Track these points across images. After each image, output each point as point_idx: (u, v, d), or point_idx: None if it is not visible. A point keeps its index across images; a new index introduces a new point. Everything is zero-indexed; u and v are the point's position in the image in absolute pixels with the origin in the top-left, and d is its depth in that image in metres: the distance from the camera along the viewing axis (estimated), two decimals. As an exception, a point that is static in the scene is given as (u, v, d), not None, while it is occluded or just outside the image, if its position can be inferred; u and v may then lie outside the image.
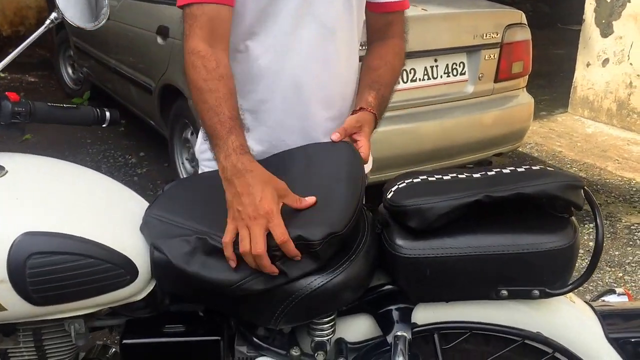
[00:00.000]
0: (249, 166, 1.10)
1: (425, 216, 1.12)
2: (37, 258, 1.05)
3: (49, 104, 1.31)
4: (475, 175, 1.20)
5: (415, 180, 1.20)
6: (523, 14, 3.40)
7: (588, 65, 5.15)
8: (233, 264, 1.06)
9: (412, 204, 1.13)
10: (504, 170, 1.20)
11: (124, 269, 1.11)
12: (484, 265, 1.13)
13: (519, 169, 1.20)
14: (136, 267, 1.12)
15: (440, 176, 1.21)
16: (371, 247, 1.16)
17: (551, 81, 6.07)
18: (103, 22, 1.32)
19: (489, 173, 1.20)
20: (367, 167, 1.53)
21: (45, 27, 1.33)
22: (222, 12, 1.23)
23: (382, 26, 1.45)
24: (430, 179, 1.20)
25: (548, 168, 1.23)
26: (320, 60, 1.35)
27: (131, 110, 4.38)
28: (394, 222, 1.19)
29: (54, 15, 1.31)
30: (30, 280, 1.05)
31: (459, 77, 3.24)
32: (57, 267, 1.06)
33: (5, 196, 1.11)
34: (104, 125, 1.40)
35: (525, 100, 3.52)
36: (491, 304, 1.19)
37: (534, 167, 1.20)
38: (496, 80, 3.35)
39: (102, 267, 1.09)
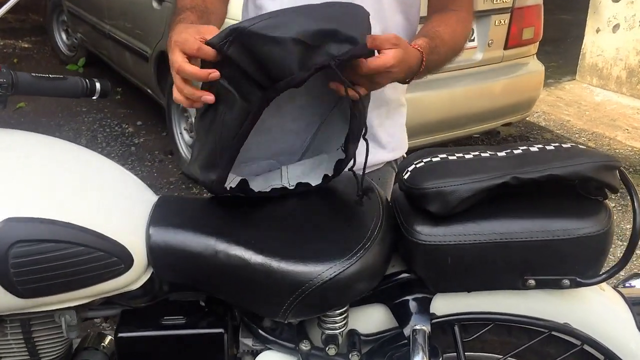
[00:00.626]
0: (176, 31, 1.04)
1: (446, 200, 1.02)
2: (21, 246, 0.95)
3: (33, 74, 1.20)
4: (500, 154, 1.10)
5: (434, 159, 1.10)
6: (535, -23, 3.26)
7: (598, 31, 5.00)
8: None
9: (433, 186, 1.03)
10: (532, 149, 1.10)
11: (117, 257, 1.01)
12: (511, 253, 1.04)
13: (547, 147, 1.10)
14: (131, 255, 1.03)
15: (461, 155, 1.11)
16: (387, 233, 1.07)
17: (558, 47, 5.91)
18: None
19: (515, 151, 1.10)
20: (401, 152, 1.44)
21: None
22: None
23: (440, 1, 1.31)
24: (450, 158, 1.10)
25: (580, 146, 1.13)
26: None
27: (127, 78, 4.25)
28: (412, 205, 1.09)
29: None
30: (15, 271, 0.95)
31: (467, 44, 3.10)
32: (43, 257, 0.97)
33: (-15, 178, 1.01)
34: (94, 98, 1.29)
35: (535, 67, 3.40)
36: (515, 293, 1.10)
37: (564, 145, 1.10)
38: (506, 47, 3.22)
39: (94, 255, 0.99)
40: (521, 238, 1.03)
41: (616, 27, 4.86)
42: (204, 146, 1.10)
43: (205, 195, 1.21)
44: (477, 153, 1.11)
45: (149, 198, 1.15)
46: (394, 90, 1.35)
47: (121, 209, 1.07)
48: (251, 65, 0.95)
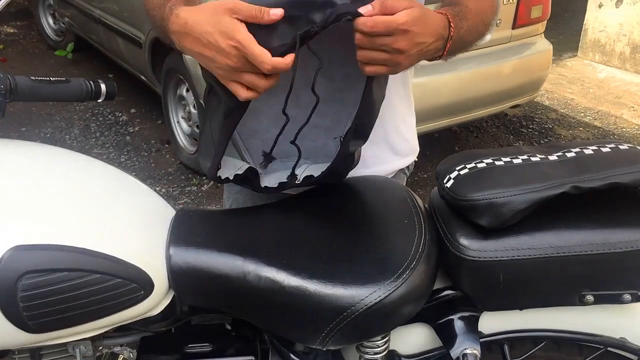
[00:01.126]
0: (182, 18, 0.90)
1: (499, 212, 0.92)
2: (30, 278, 0.85)
3: (33, 77, 1.09)
4: (551, 158, 1.00)
5: (479, 166, 1.00)
6: (543, -48, 3.13)
7: (600, 6, 4.89)
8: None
9: (483, 197, 0.93)
10: (586, 151, 1.00)
11: (137, 283, 0.91)
12: (568, 267, 0.95)
13: (603, 149, 1.00)
14: (151, 279, 0.93)
15: (508, 159, 1.01)
16: (432, 249, 0.97)
17: (557, 23, 5.79)
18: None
19: (569, 155, 1.00)
20: (414, 157, 1.32)
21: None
22: None
23: None
24: (497, 163, 1.00)
25: (638, 147, 1.03)
26: None
27: (119, 64, 4.11)
28: (456, 216, 1.00)
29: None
30: (24, 305, 0.85)
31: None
32: (55, 288, 0.86)
33: (-13, 201, 0.90)
34: (99, 100, 1.18)
35: (543, 46, 3.30)
36: (569, 308, 1.01)
37: (621, 147, 1.01)
38: (514, 27, 3.11)
39: (111, 283, 0.90)
40: (580, 251, 0.94)
41: (619, 2, 4.76)
42: (203, 134, 1.05)
43: (208, 185, 1.10)
44: (525, 157, 1.01)
45: (167, 212, 1.05)
46: (406, 88, 1.24)
47: (138, 228, 0.97)
48: None
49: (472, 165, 1.01)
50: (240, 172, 1.01)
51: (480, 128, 3.90)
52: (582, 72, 4.85)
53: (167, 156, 3.54)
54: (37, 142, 1.09)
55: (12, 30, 5.65)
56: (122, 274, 0.90)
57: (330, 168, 1.00)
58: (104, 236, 0.92)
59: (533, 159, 1.01)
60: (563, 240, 0.94)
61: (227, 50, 0.85)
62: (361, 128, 0.97)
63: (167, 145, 3.62)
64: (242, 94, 0.89)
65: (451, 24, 0.95)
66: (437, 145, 3.65)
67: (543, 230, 0.95)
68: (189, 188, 3.18)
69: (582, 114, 4.13)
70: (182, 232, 0.99)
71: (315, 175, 1.02)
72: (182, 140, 3.38)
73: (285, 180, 1.05)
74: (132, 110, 4.07)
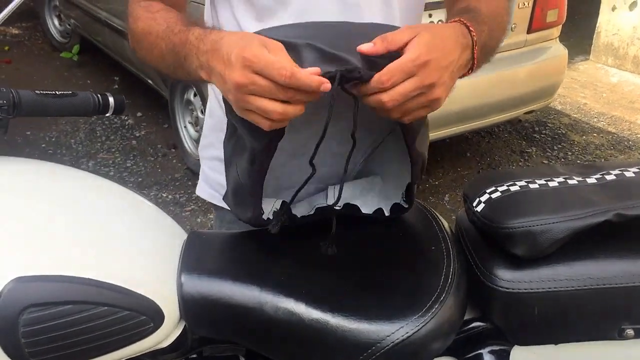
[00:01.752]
0: (217, 37, 0.80)
1: (537, 242, 0.86)
2: (33, 312, 0.79)
3: (37, 91, 1.03)
4: (590, 181, 0.94)
5: (512, 189, 0.94)
6: (559, -45, 3.06)
7: (614, 9, 4.81)
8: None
9: (519, 225, 0.87)
10: (627, 174, 0.94)
11: (146, 315, 0.85)
12: (608, 300, 0.88)
13: (645, 171, 0.94)
14: (161, 311, 0.87)
15: (543, 182, 0.95)
16: (461, 279, 0.91)
17: (569, 25, 5.71)
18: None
19: (608, 177, 0.94)
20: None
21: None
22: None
23: None
24: (532, 186, 0.94)
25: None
26: None
27: (125, 67, 4.06)
28: (487, 242, 0.93)
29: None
30: (27, 341, 0.79)
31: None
32: (59, 322, 0.80)
33: (-13, 227, 0.84)
34: (107, 115, 1.12)
35: (559, 51, 3.23)
36: (606, 343, 0.95)
37: (665, 169, 0.94)
38: (529, 31, 3.04)
39: (118, 316, 0.83)
40: (620, 283, 0.88)
41: (633, 5, 4.68)
42: (229, 177, 0.96)
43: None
44: (561, 180, 0.95)
45: (178, 235, 0.99)
46: None
47: (147, 254, 0.91)
48: None
49: (504, 188, 0.95)
50: (277, 208, 0.96)
51: (492, 133, 3.83)
52: (594, 76, 4.77)
53: (174, 161, 3.48)
54: (38, 160, 1.03)
55: (17, 32, 5.61)
56: (130, 305, 0.84)
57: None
58: (110, 265, 0.86)
59: (570, 181, 0.94)
60: (603, 270, 0.88)
61: (234, 62, 0.74)
62: (416, 164, 0.92)
63: (173, 150, 3.56)
64: (263, 123, 0.76)
65: (471, 29, 0.86)
66: (448, 150, 3.58)
67: (581, 260, 0.89)
68: (196, 194, 3.11)
69: (595, 119, 4.06)
70: (194, 258, 0.93)
71: (364, 209, 1.00)
72: (189, 145, 3.32)
73: (325, 205, 0.99)
74: (139, 114, 4.01)
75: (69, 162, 3.45)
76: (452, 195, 3.11)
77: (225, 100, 0.85)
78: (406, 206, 0.99)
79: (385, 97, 0.75)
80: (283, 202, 0.98)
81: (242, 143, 0.88)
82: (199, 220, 2.91)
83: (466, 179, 3.31)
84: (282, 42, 0.76)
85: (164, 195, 3.12)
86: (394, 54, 0.76)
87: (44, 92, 1.03)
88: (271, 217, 0.94)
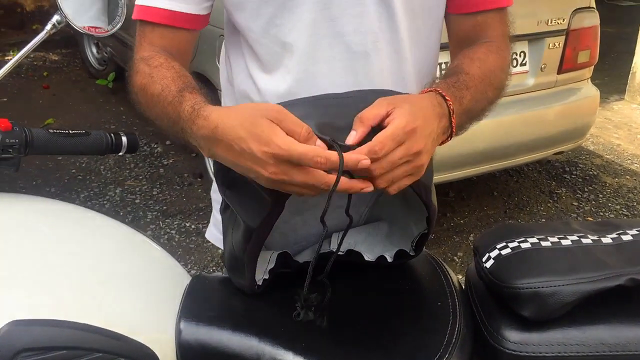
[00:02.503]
0: (212, 124, 0.78)
1: (545, 304, 0.83)
2: (26, 356, 0.78)
3: (51, 130, 1.04)
4: (605, 240, 0.90)
5: (523, 246, 0.91)
6: (592, -5, 3.03)
7: (650, 49, 4.73)
8: None
9: (527, 286, 0.84)
10: (644, 235, 0.90)
11: (142, 362, 0.84)
12: (621, 368, 0.84)
13: (663, 233, 0.90)
14: (156, 358, 0.85)
15: (556, 239, 0.91)
16: (467, 339, 0.88)
17: (603, 63, 5.61)
18: (118, 27, 1.04)
19: (625, 238, 0.90)
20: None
21: (46, 33, 1.05)
22: (179, 37, 1.01)
23: (468, 31, 1.06)
24: (544, 243, 0.91)
25: None
26: None
27: (157, 96, 4.12)
28: (495, 300, 0.90)
29: (56, 18, 1.03)
30: (18, 385, 0.79)
31: (519, 68, 2.89)
32: (53, 367, 0.79)
33: (-13, 267, 0.84)
34: (120, 154, 1.13)
35: (590, 92, 3.17)
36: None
37: (684, 232, 0.90)
38: (560, 72, 3.00)
39: (113, 363, 0.82)
40: (635, 350, 0.83)
41: (670, 45, 4.60)
42: (226, 244, 0.96)
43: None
44: (575, 238, 0.91)
45: (180, 279, 0.98)
46: None
47: (146, 299, 0.90)
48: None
49: (515, 244, 0.92)
50: (272, 265, 0.94)
51: (521, 172, 3.77)
52: (629, 117, 4.68)
53: (199, 190, 3.50)
54: (46, 198, 1.03)
55: (56, 58, 5.77)
56: (125, 352, 0.83)
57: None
58: (107, 310, 0.85)
59: (584, 240, 0.91)
60: (616, 337, 0.84)
61: (264, 159, 0.73)
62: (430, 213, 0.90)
63: (199, 180, 3.58)
64: (309, 194, 0.76)
65: (447, 98, 0.86)
66: (474, 188, 3.53)
67: (594, 325, 0.85)
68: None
69: (629, 161, 3.96)
70: (194, 304, 0.92)
71: (366, 256, 0.98)
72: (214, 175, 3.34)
73: (328, 250, 0.98)
74: (168, 142, 4.06)
75: (97, 188, 3.49)
76: (477, 235, 3.05)
77: (217, 175, 0.84)
78: (413, 254, 0.97)
79: (373, 166, 0.74)
80: (282, 253, 0.97)
81: (237, 218, 0.87)
82: (220, 251, 2.89)
83: (492, 219, 3.25)
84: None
85: (187, 224, 3.13)
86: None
87: (57, 131, 1.05)
88: (267, 277, 0.93)
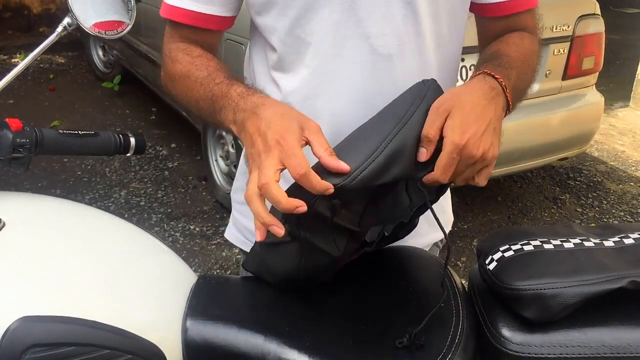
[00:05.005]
0: (260, 101, 0.86)
1: (547, 306, 0.84)
2: (36, 352, 0.80)
3: (60, 131, 1.05)
4: (607, 244, 0.91)
5: (526, 248, 0.92)
6: (596, 3, 3.04)
7: (655, 55, 4.74)
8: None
9: (529, 287, 0.85)
10: (646, 238, 0.91)
11: (148, 359, 0.85)
12: (622, 369, 0.85)
13: (665, 237, 0.91)
14: (164, 356, 0.87)
15: (558, 242, 0.92)
16: (469, 340, 0.88)
17: (607, 70, 5.62)
18: (127, 29, 1.06)
19: (627, 241, 0.91)
20: (448, 228, 1.21)
21: (57, 35, 1.07)
22: (204, 36, 1.05)
23: (500, 31, 1.08)
24: (546, 246, 0.91)
25: None
26: (369, 99, 0.98)
27: (162, 98, 4.15)
28: (498, 302, 0.91)
29: (67, 20, 1.05)
30: (28, 380, 0.80)
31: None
32: (62, 363, 0.81)
33: (-2, 264, 0.86)
34: (127, 155, 1.14)
35: (594, 99, 3.18)
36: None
37: (686, 235, 0.91)
38: (564, 78, 3.01)
39: (121, 359, 0.84)
40: (636, 352, 0.84)
41: (675, 53, 4.60)
42: (285, 267, 0.93)
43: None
44: (578, 241, 0.92)
45: (187, 279, 0.99)
46: None
47: (153, 297, 0.91)
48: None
49: (518, 246, 0.93)
50: None
51: (525, 178, 3.78)
52: (634, 124, 4.68)
53: (204, 193, 3.52)
54: (56, 197, 1.05)
55: (62, 60, 5.81)
56: (133, 349, 0.84)
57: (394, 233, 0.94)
58: (116, 307, 0.86)
59: (587, 243, 0.92)
60: (618, 339, 0.85)
61: (270, 144, 0.78)
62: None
63: (204, 182, 3.60)
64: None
65: (497, 77, 0.90)
66: (478, 194, 3.54)
67: (595, 326, 0.86)
68: (224, 228, 3.13)
69: (633, 168, 3.97)
70: (201, 303, 0.93)
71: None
72: (219, 178, 3.35)
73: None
74: (173, 145, 4.09)
75: (102, 190, 3.52)
76: (480, 240, 3.06)
77: (288, 218, 0.83)
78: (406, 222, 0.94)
79: (440, 178, 0.85)
80: None
81: (312, 249, 0.88)
82: (224, 254, 2.92)
83: (496, 224, 3.26)
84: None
85: (192, 227, 3.15)
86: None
87: (67, 132, 1.06)
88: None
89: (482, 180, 0.88)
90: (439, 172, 0.84)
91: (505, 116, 0.93)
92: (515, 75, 0.94)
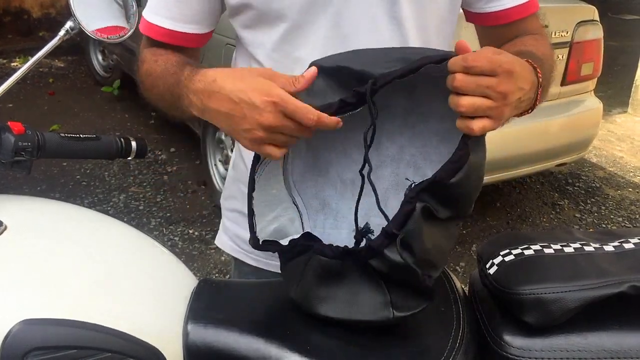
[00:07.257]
0: (209, 77, 0.85)
1: (548, 310, 0.84)
2: (37, 355, 0.80)
3: (62, 134, 1.05)
4: (607, 248, 0.91)
5: (526, 253, 0.92)
6: (595, 9, 3.05)
7: (653, 62, 4.75)
8: None
9: (529, 292, 0.85)
10: (647, 243, 0.91)
11: (149, 363, 0.85)
12: (623, 374, 0.85)
13: (665, 242, 0.91)
14: (164, 359, 0.87)
15: (559, 246, 0.93)
16: (470, 344, 0.89)
17: (606, 76, 5.64)
18: (130, 33, 1.06)
19: (626, 246, 0.91)
20: None
21: (60, 39, 1.07)
22: (181, 51, 1.05)
23: (505, 38, 1.07)
24: (547, 251, 0.92)
25: None
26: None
27: (162, 103, 4.15)
28: (499, 307, 0.91)
29: (69, 24, 1.05)
30: (29, 384, 0.80)
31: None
32: (63, 367, 0.81)
33: (0, 267, 0.86)
34: (129, 158, 1.15)
35: (593, 105, 3.19)
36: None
37: (686, 240, 0.91)
38: (563, 83, 3.02)
39: (121, 363, 0.84)
40: (636, 357, 0.84)
41: (673, 59, 4.62)
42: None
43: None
44: (578, 246, 0.93)
45: (188, 282, 0.99)
46: None
47: (154, 301, 0.91)
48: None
49: (519, 251, 0.93)
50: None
51: (524, 184, 3.78)
52: (632, 130, 4.70)
53: (203, 198, 3.52)
54: (58, 201, 1.05)
55: (62, 65, 5.81)
56: (134, 352, 0.84)
57: None
58: (117, 311, 0.86)
59: (587, 248, 0.92)
60: (618, 343, 0.85)
61: (262, 107, 0.78)
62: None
63: (203, 187, 3.60)
64: (277, 153, 0.82)
65: (538, 70, 0.86)
66: (478, 199, 3.52)
67: (595, 331, 0.86)
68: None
69: (631, 174, 3.98)
70: (202, 307, 0.93)
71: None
72: (218, 183, 3.36)
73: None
74: (172, 149, 4.09)
75: (101, 194, 3.52)
76: (480, 245, 3.06)
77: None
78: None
79: (459, 77, 0.75)
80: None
81: (303, 271, 0.88)
82: (222, 258, 2.92)
83: (495, 229, 3.26)
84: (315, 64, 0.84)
85: (190, 231, 3.15)
86: None
87: (69, 135, 1.06)
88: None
89: (475, 126, 0.77)
90: (472, 57, 0.74)
91: (525, 113, 0.89)
92: (543, 74, 0.89)
